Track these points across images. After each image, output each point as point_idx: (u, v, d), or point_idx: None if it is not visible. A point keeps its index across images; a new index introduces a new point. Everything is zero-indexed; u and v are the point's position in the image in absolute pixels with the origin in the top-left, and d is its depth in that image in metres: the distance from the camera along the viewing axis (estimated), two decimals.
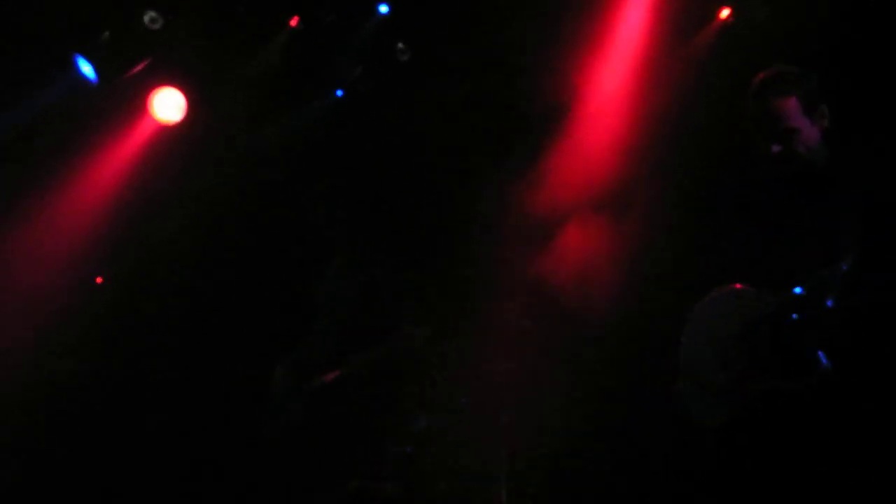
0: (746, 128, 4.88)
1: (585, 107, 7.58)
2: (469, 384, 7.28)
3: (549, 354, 7.35)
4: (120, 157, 8.22)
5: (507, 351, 7.27)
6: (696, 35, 7.47)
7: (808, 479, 4.63)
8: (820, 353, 4.52)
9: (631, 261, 7.17)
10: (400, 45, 8.04)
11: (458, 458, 7.16)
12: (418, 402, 7.15)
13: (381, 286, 6.77)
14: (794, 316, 4.60)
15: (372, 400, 6.71)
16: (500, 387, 7.21)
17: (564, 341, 7.39)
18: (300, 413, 6.71)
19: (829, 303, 4.49)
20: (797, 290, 4.61)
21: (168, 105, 8.12)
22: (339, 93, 8.32)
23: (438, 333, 6.93)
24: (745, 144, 5.00)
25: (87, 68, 7.87)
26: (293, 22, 7.97)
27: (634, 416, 7.09)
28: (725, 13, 7.41)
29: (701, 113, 7.09)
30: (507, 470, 7.05)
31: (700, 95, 7.15)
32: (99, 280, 8.48)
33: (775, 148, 4.79)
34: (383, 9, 7.89)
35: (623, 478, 7.17)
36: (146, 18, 7.73)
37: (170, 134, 8.14)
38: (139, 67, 7.92)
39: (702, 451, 5.02)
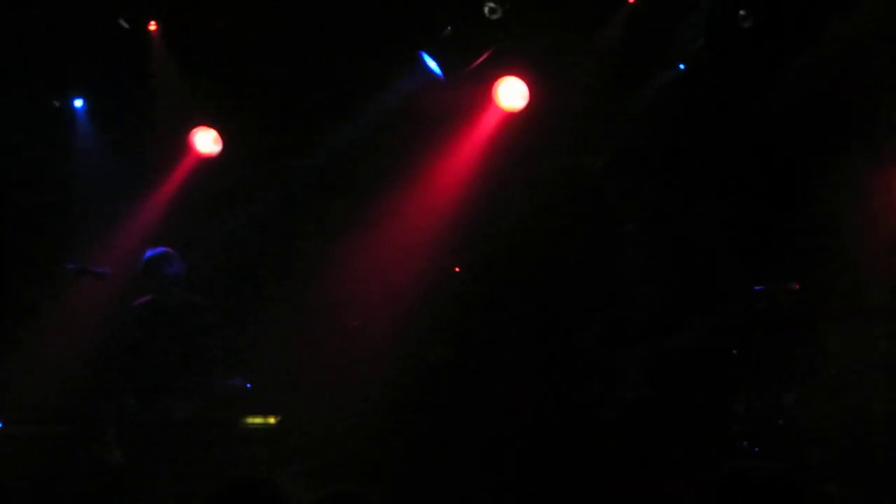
0: None
1: None
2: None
3: None
4: (469, 146, 8.40)
5: None
6: None
7: None
8: None
9: None
10: (742, 11, 7.70)
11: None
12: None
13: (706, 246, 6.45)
14: None
15: (721, 367, 6.41)
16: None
17: None
18: (643, 384, 6.40)
19: None
20: None
21: (511, 93, 8.22)
22: (682, 66, 8.08)
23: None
24: None
25: (432, 63, 8.10)
26: None
27: None
28: None
29: None
30: None
31: None
32: (457, 269, 8.67)
33: None
34: None
35: None
36: (486, 9, 7.85)
37: (514, 122, 8.23)
38: (482, 58, 8.06)
39: None
